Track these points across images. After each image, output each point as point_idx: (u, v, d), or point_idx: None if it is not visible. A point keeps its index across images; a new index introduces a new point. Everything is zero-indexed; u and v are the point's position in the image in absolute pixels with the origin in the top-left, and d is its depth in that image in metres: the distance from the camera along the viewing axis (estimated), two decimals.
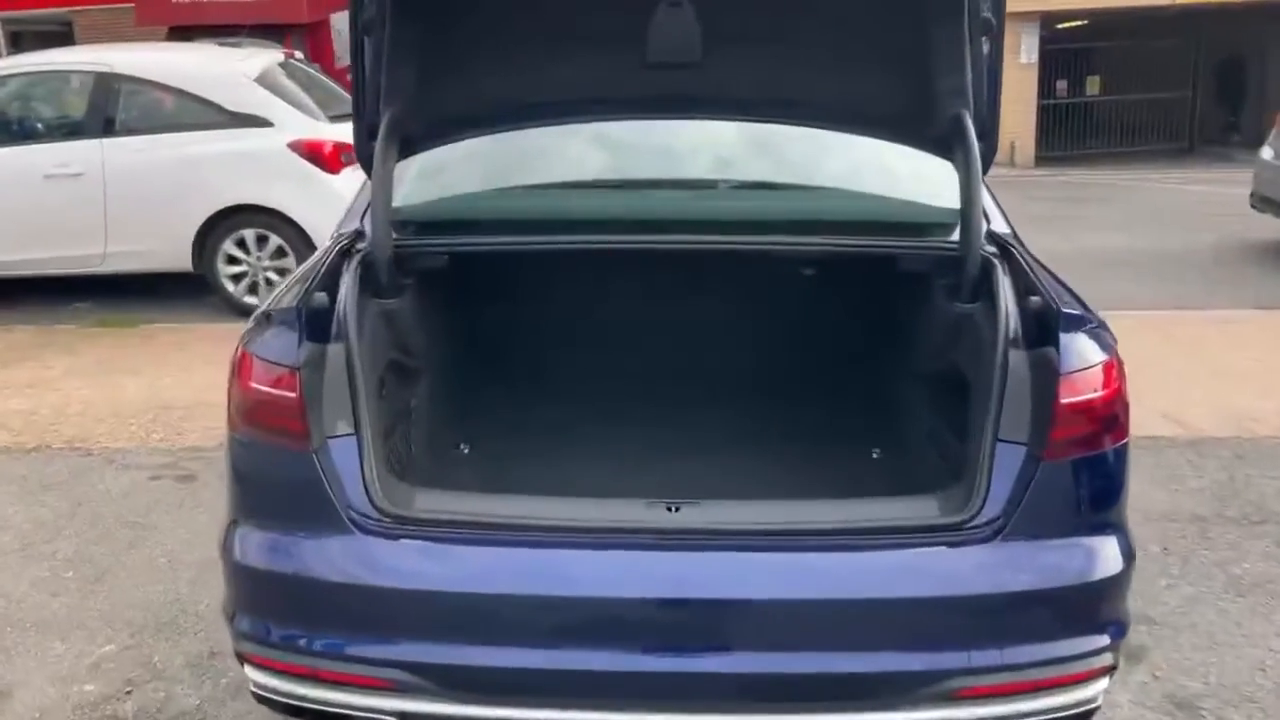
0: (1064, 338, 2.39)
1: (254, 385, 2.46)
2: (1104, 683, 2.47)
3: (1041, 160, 18.77)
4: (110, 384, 6.24)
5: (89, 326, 7.59)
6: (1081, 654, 2.39)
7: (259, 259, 7.81)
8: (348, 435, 2.46)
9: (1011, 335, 2.49)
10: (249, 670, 2.54)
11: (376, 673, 2.38)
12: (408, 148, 2.98)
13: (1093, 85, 20.66)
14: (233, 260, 7.84)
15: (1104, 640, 2.41)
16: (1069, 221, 11.25)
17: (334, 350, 2.51)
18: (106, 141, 7.77)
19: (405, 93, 2.88)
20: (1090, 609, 2.41)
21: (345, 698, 2.42)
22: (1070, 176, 16.66)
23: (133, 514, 4.54)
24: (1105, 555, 2.42)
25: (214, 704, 3.28)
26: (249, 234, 7.80)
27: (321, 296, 2.56)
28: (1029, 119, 18.71)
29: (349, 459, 2.43)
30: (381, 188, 2.79)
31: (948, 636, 2.34)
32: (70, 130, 8.00)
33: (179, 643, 3.59)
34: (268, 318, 2.53)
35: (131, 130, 7.84)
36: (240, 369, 2.50)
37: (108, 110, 7.84)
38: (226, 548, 2.52)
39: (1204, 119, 20.74)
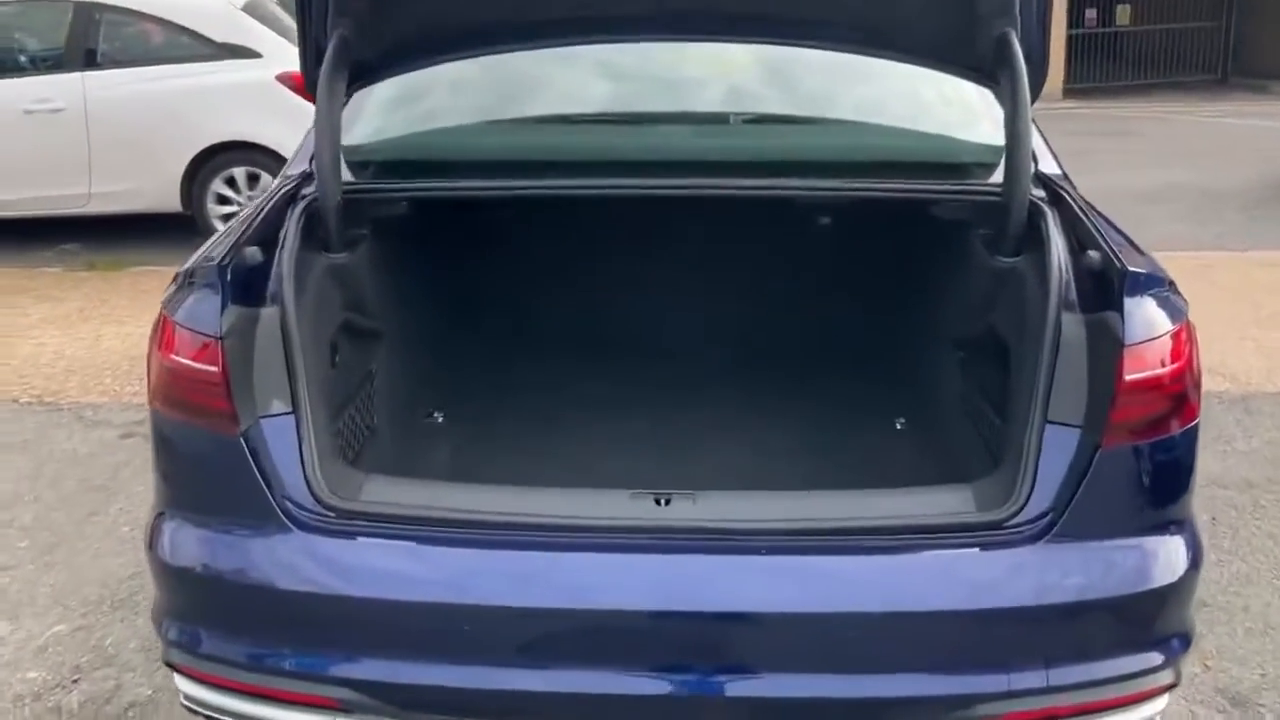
0: (1129, 301, 2.01)
1: (174, 357, 2.11)
2: (1163, 701, 2.13)
3: (1069, 92, 18.11)
4: (88, 333, 5.93)
5: (75, 270, 7.27)
6: (1139, 672, 2.05)
7: (251, 198, 7.43)
8: (283, 414, 2.12)
9: (1064, 296, 2.12)
10: (178, 681, 2.23)
11: (319, 690, 2.06)
12: (363, 74, 2.59)
13: (1123, 15, 19.89)
14: (223, 200, 7.49)
15: (1166, 655, 2.07)
16: (1099, 156, 10.72)
17: (268, 315, 2.16)
18: (88, 75, 7.40)
19: (358, 6, 2.47)
20: (1151, 621, 2.07)
21: (283, 715, 2.11)
22: (1099, 109, 16.05)
23: (99, 476, 4.23)
24: (1170, 558, 2.07)
25: (168, 694, 2.96)
26: (239, 172, 7.46)
27: (253, 252, 2.20)
28: (1057, 49, 18.02)
29: (285, 442, 2.09)
30: (327, 122, 2.40)
31: (984, 655, 2.00)
32: (50, 63, 7.62)
33: (134, 623, 3.29)
34: (190, 277, 2.17)
35: (114, 63, 7.47)
36: (159, 337, 2.16)
37: (89, 42, 7.46)
38: (151, 544, 2.20)
39: (1237, 50, 19.97)
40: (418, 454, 2.80)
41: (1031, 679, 1.99)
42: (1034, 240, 2.31)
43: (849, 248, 3.15)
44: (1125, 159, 11.16)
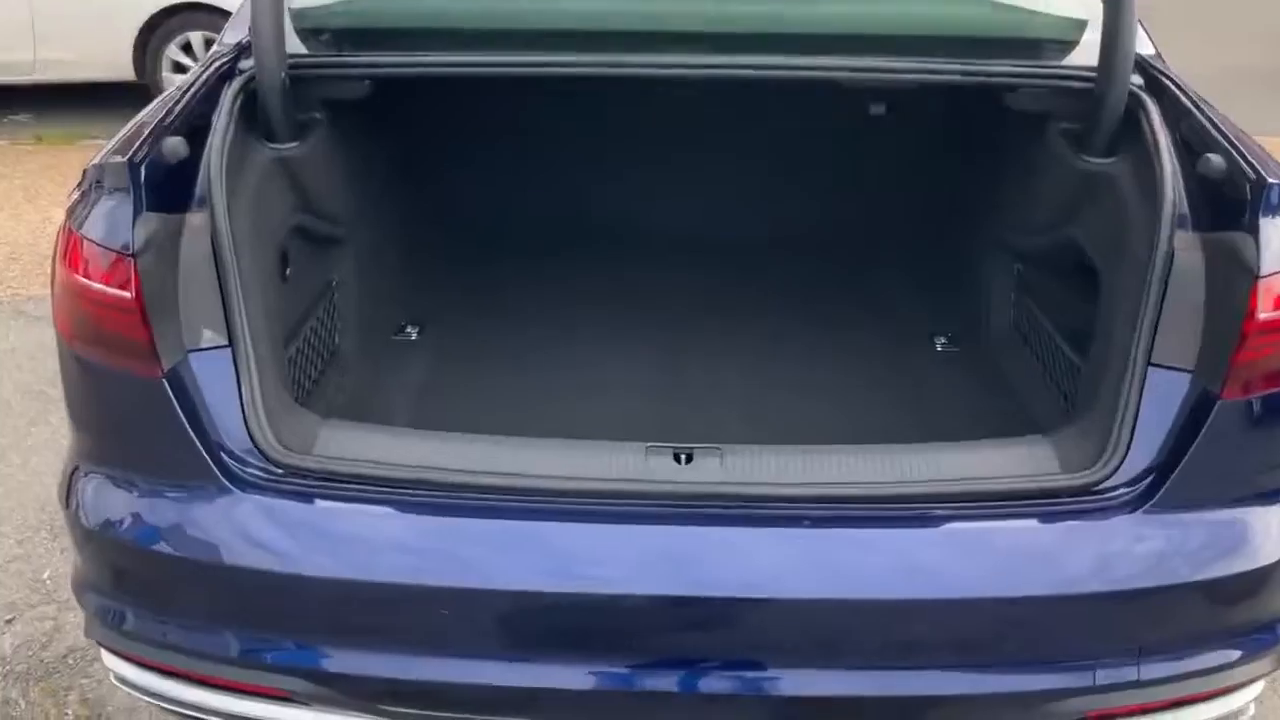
0: (1265, 221, 1.63)
1: (79, 278, 1.71)
2: (1258, 687, 1.83)
3: None
4: (35, 214, 5.50)
5: (22, 142, 6.82)
6: (1240, 661, 1.74)
7: None
8: (217, 347, 1.73)
9: (1176, 210, 1.73)
10: (105, 657, 1.90)
11: (264, 679, 1.73)
12: None
13: None
14: (180, 68, 6.91)
15: (1272, 640, 1.76)
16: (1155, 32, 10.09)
17: (195, 222, 1.75)
18: None
19: None
20: (1261, 603, 1.75)
21: (226, 704, 1.78)
22: None
23: (39, 381, 3.84)
24: None
25: None
26: (196, 37, 6.91)
27: (175, 143, 1.77)
28: None
29: (220, 382, 1.72)
30: None
31: (1068, 647, 1.68)
32: None
33: None
34: (99, 177, 1.74)
35: None
36: (66, 254, 1.75)
37: None
38: (67, 504, 1.85)
39: None
40: (388, 380, 2.42)
41: (1121, 672, 1.68)
42: (1132, 138, 1.90)
43: (901, 144, 2.72)
44: (1180, 30, 10.50)
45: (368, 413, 2.17)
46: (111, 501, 1.78)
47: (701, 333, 2.58)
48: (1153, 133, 1.83)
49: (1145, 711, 1.73)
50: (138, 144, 1.74)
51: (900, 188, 2.87)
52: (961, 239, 2.65)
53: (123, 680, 1.88)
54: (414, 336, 2.66)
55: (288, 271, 2.11)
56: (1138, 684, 1.69)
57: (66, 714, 2.51)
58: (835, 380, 2.42)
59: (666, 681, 1.65)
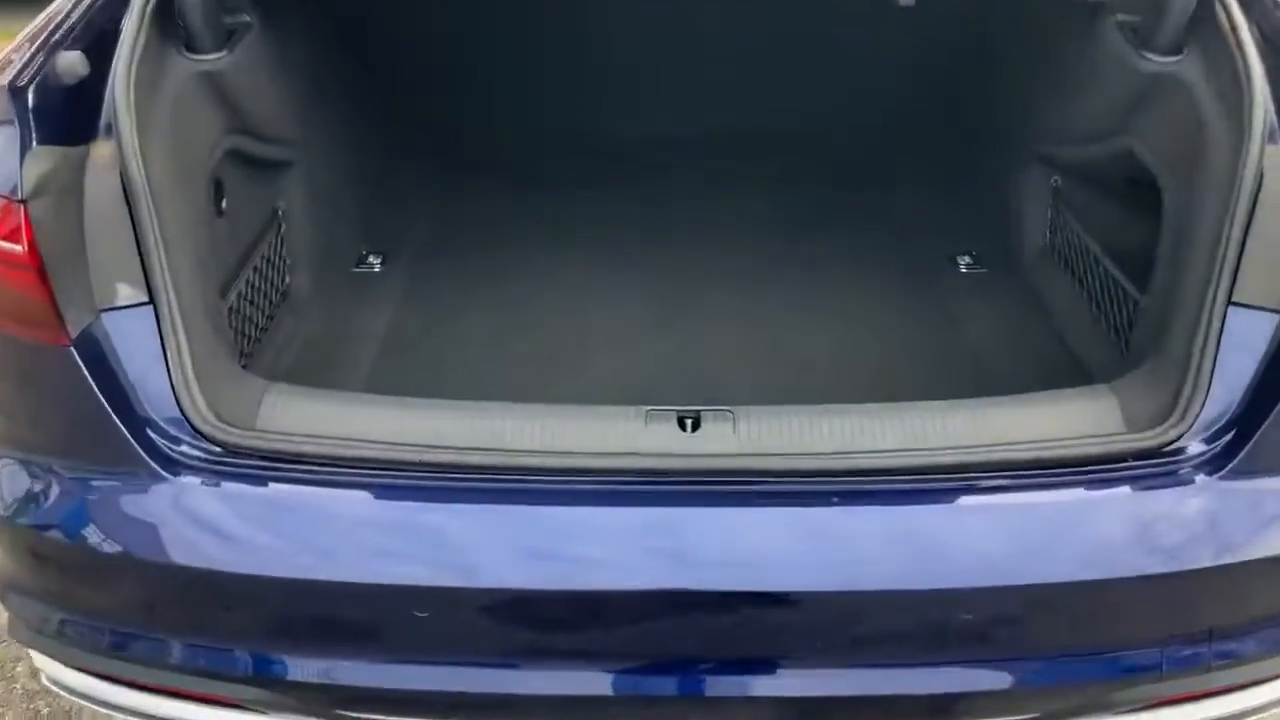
0: None
1: None
2: None
3: None
4: None
5: None
6: None
7: None
8: (136, 304, 1.47)
9: (1267, 121, 1.47)
10: (35, 657, 1.68)
11: (210, 688, 1.52)
12: None
13: None
14: None
15: None
16: None
17: (102, 155, 1.47)
18: None
19: None
20: None
21: (172, 710, 1.57)
22: None
23: None
24: None
25: None
26: None
27: (72, 60, 1.48)
28: None
29: (141, 346, 1.46)
30: None
31: (1132, 632, 1.47)
32: None
33: None
34: None
35: None
36: None
37: None
38: None
39: None
40: (348, 323, 2.15)
41: (1190, 658, 1.48)
42: (1205, 32, 1.63)
43: (933, 37, 2.43)
44: None
45: (326, 365, 1.92)
46: (26, 491, 1.53)
47: (699, 252, 2.31)
48: (1232, 26, 1.55)
49: (1212, 695, 1.55)
50: (24, 62, 1.45)
51: (925, 90, 2.58)
52: (990, 148, 2.37)
53: (55, 683, 1.67)
54: (377, 268, 2.38)
55: (223, 204, 1.83)
56: (1208, 668, 1.50)
57: (15, 687, 2.32)
58: (850, 309, 2.17)
59: (667, 686, 1.44)
